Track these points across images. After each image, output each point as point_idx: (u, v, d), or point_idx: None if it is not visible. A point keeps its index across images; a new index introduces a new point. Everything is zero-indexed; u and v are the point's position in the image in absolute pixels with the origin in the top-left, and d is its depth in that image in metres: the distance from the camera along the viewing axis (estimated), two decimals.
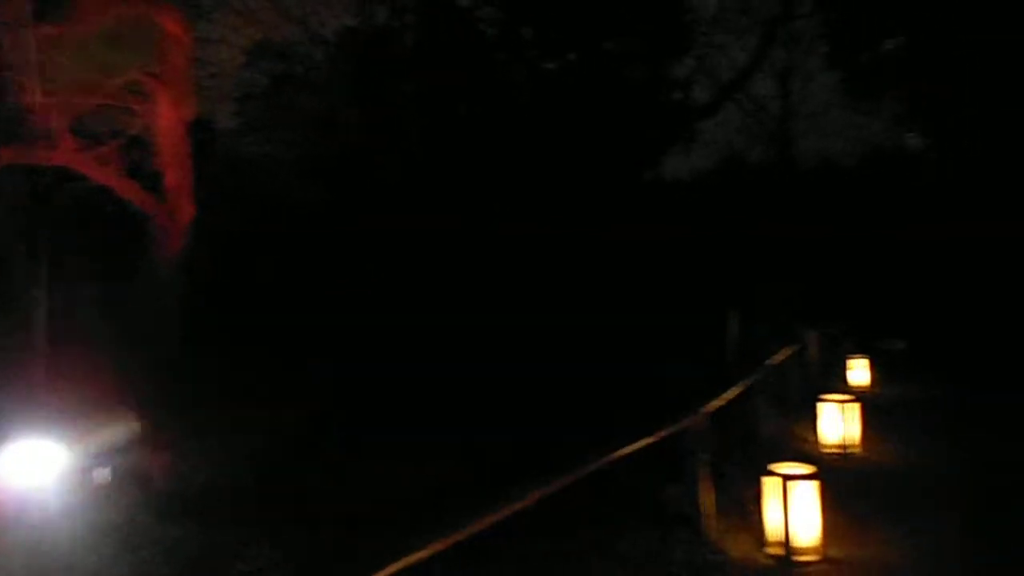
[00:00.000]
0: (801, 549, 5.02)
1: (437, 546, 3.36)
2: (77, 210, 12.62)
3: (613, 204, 18.10)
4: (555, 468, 4.29)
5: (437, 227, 15.85)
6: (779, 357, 9.64)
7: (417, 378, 10.98)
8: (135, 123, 8.64)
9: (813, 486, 5.07)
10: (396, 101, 17.79)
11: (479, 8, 20.04)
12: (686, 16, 20.45)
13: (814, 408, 8.28)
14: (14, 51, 7.61)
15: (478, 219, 16.16)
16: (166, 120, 8.63)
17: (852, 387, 11.53)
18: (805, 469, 5.18)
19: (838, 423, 8.02)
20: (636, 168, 20.02)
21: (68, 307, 11.53)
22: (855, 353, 12.41)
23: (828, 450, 7.95)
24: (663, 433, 5.05)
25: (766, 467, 5.23)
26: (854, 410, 8.10)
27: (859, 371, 12.07)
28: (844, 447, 7.96)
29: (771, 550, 5.11)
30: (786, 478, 5.08)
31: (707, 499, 5.36)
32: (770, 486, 5.15)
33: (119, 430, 6.65)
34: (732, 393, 6.64)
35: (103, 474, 6.04)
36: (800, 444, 8.20)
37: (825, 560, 5.00)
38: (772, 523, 5.13)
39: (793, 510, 5.03)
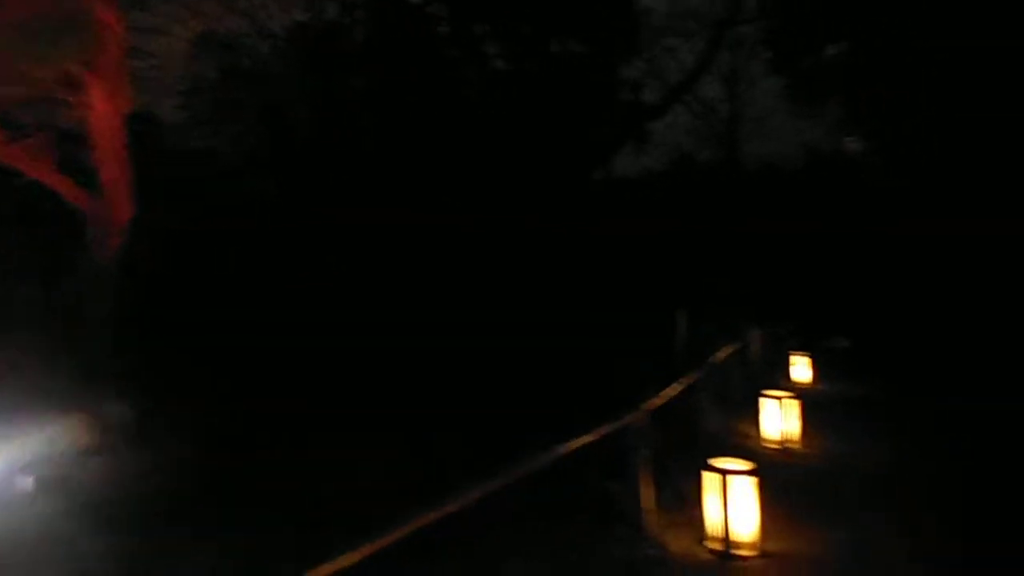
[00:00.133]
0: (740, 543, 5.11)
1: (380, 543, 3.33)
2: (17, 206, 12.18)
3: (563, 202, 18.20)
4: (497, 465, 4.27)
5: (388, 223, 15.73)
6: (722, 355, 9.79)
7: (365, 373, 10.86)
8: (68, 115, 8.37)
9: (752, 481, 5.15)
10: (347, 97, 17.59)
11: (430, 5, 19.93)
12: (636, 18, 20.68)
13: (756, 404, 8.43)
14: None
15: (428, 215, 16.08)
16: (101, 112, 8.37)
17: (794, 384, 11.80)
18: (744, 465, 5.26)
19: (778, 419, 8.19)
20: (586, 167, 20.18)
21: (2, 306, 11.12)
22: (798, 351, 12.68)
23: (768, 445, 8.11)
24: (604, 431, 5.07)
25: (706, 462, 5.31)
26: (794, 406, 8.28)
27: (801, 368, 12.34)
28: (784, 443, 8.13)
29: (710, 545, 5.19)
30: (725, 473, 5.16)
31: (648, 495, 5.41)
32: (710, 481, 5.22)
33: (47, 435, 6.38)
34: (674, 390, 6.72)
35: (25, 482, 5.77)
36: (742, 440, 8.34)
37: (763, 555, 5.09)
38: (712, 518, 5.20)
39: (732, 505, 5.11)
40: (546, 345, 12.45)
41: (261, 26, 17.56)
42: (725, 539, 5.12)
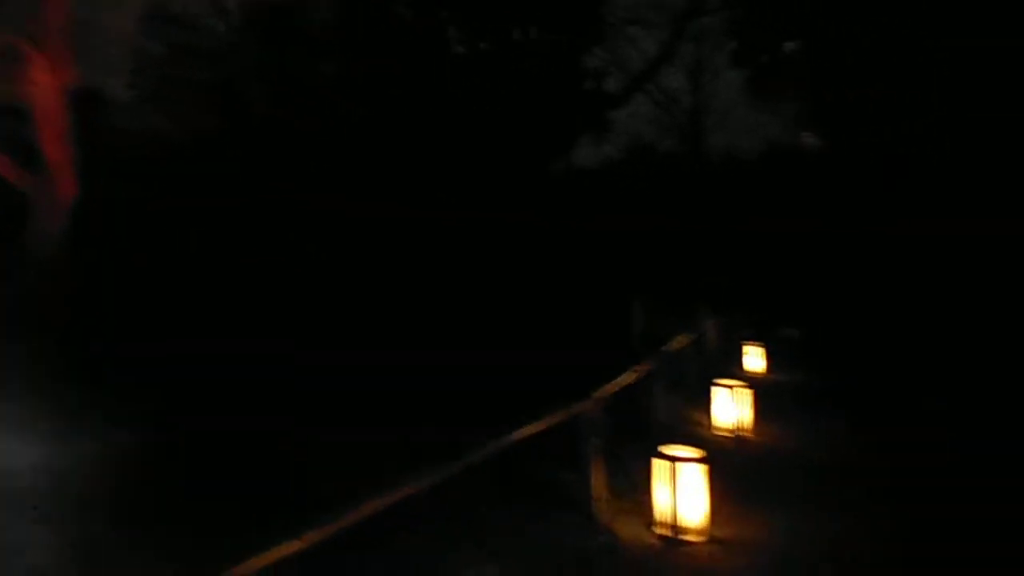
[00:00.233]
0: (688, 529, 5.16)
1: (325, 532, 3.26)
2: None
3: (523, 191, 18.16)
4: (448, 454, 4.23)
5: (342, 208, 15.51)
6: (677, 344, 9.87)
7: (308, 365, 10.58)
8: (7, 90, 8.03)
9: (701, 469, 5.20)
10: (303, 75, 17.26)
11: None
12: (599, 7, 20.66)
13: (709, 393, 8.53)
14: None
15: (384, 203, 15.90)
16: (43, 86, 8.05)
17: (747, 373, 11.96)
18: (694, 452, 5.31)
19: (731, 407, 8.29)
20: (546, 155, 20.15)
21: None
22: (751, 340, 12.86)
23: (721, 433, 8.21)
24: (555, 419, 5.06)
25: (657, 450, 5.34)
26: (747, 395, 8.38)
27: (754, 358, 12.51)
28: (736, 431, 8.24)
29: (659, 530, 5.22)
30: (675, 460, 5.20)
31: (599, 482, 5.42)
32: (659, 468, 5.26)
33: None
34: (626, 379, 6.74)
35: None
36: (694, 428, 8.43)
37: (711, 540, 5.15)
38: (661, 504, 5.24)
39: (681, 492, 5.16)
40: (507, 336, 12.39)
41: (215, 2, 17.13)
42: (673, 525, 5.17)
